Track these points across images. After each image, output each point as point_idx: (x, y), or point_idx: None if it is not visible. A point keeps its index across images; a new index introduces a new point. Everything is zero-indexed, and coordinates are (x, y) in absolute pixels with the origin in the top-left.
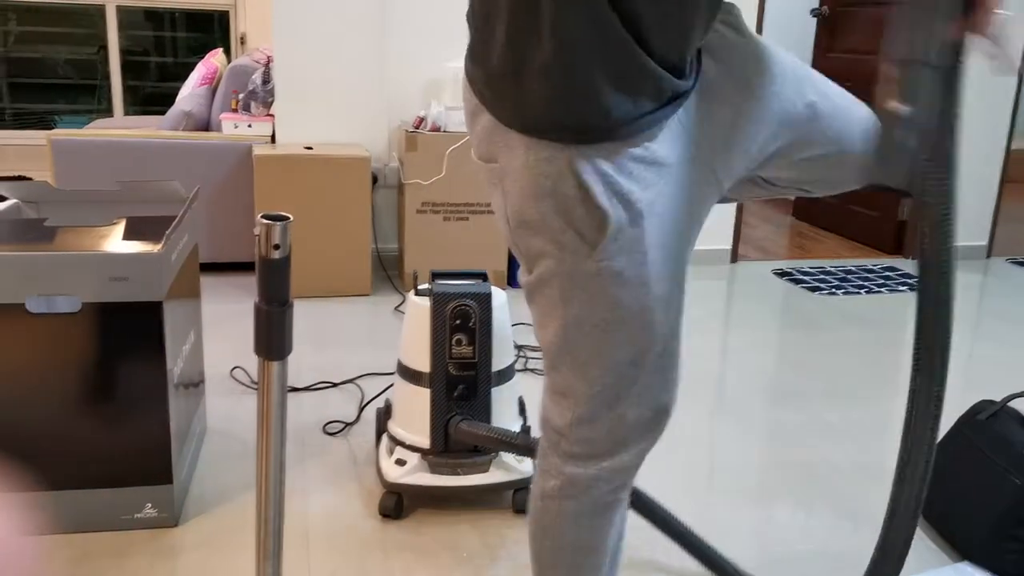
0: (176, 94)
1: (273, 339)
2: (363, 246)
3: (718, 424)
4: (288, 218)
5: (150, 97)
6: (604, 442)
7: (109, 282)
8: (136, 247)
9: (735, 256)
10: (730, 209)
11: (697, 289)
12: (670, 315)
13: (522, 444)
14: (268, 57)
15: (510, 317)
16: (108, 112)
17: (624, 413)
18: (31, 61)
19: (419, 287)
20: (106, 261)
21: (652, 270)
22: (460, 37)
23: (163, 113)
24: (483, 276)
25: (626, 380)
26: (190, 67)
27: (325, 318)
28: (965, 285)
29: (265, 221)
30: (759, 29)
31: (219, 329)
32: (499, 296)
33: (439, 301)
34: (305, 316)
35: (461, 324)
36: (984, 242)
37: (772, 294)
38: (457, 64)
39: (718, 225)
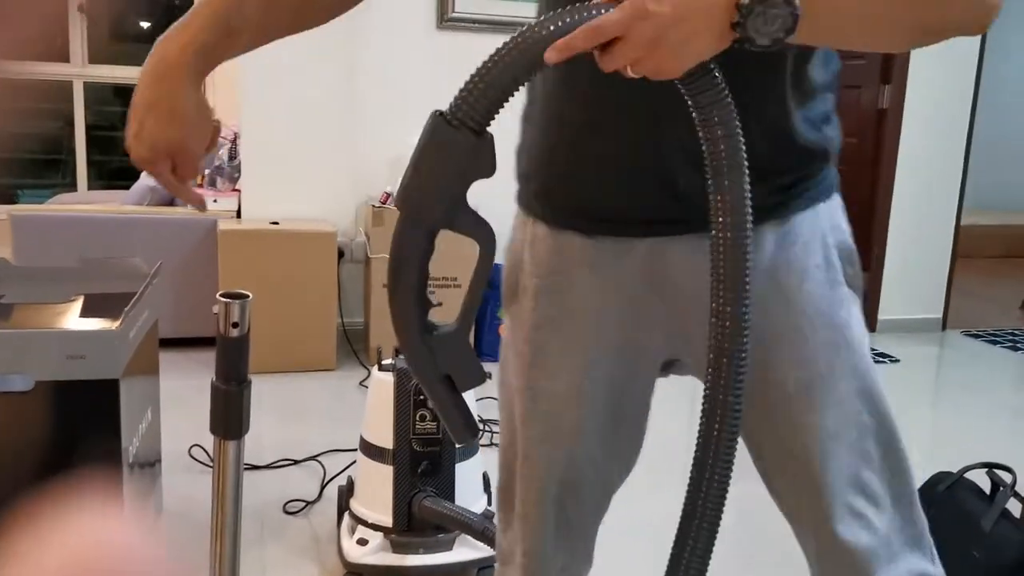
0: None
1: (231, 418)
2: (329, 321)
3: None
4: (247, 296)
5: (116, 172)
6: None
7: (65, 360)
8: (94, 324)
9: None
10: None
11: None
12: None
13: (480, 529)
14: (235, 133)
15: (474, 392)
16: (72, 187)
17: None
18: None
19: (382, 362)
20: (62, 339)
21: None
22: (423, 115)
23: (128, 188)
24: None
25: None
26: None
27: (289, 393)
28: (923, 357)
29: (224, 299)
30: None
31: (179, 406)
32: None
33: (402, 376)
34: (268, 391)
35: (424, 400)
36: (939, 315)
37: None
38: None
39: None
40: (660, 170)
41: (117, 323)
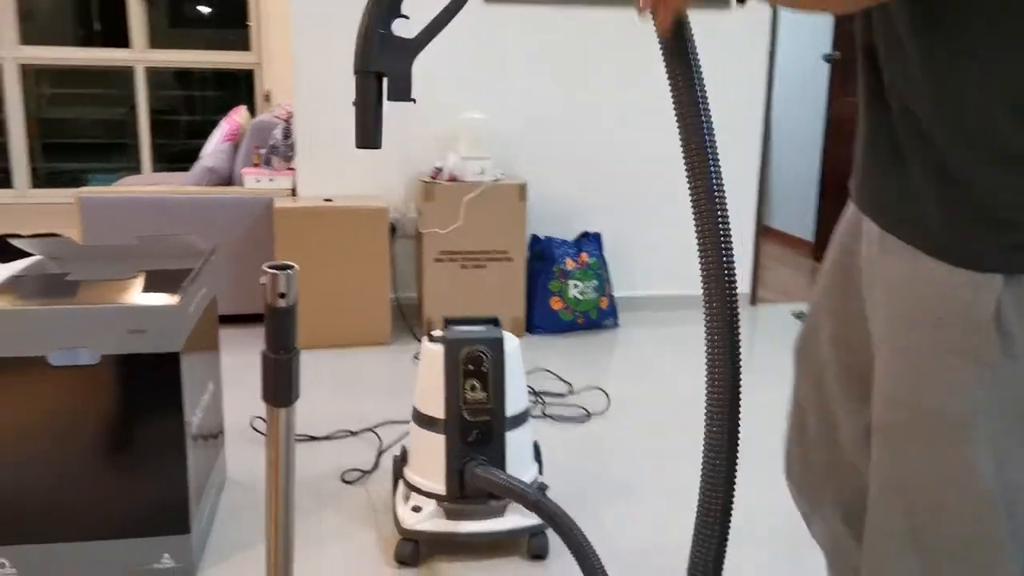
0: (201, 150)
1: (281, 385)
2: (382, 295)
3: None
4: (293, 267)
5: (178, 154)
6: None
7: (127, 335)
8: (154, 299)
9: (754, 299)
10: (747, 249)
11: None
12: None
13: (531, 499)
14: (289, 113)
15: (525, 363)
16: (137, 170)
17: None
18: (63, 122)
19: (432, 334)
20: (124, 314)
21: None
22: (474, 90)
23: (189, 169)
24: (495, 321)
25: None
26: (215, 124)
27: (344, 367)
28: None
29: (271, 270)
30: (770, 74)
31: (239, 380)
32: (511, 341)
33: (452, 347)
34: (325, 365)
35: (474, 369)
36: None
37: (788, 338)
38: (471, 115)
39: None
40: None
41: (177, 298)
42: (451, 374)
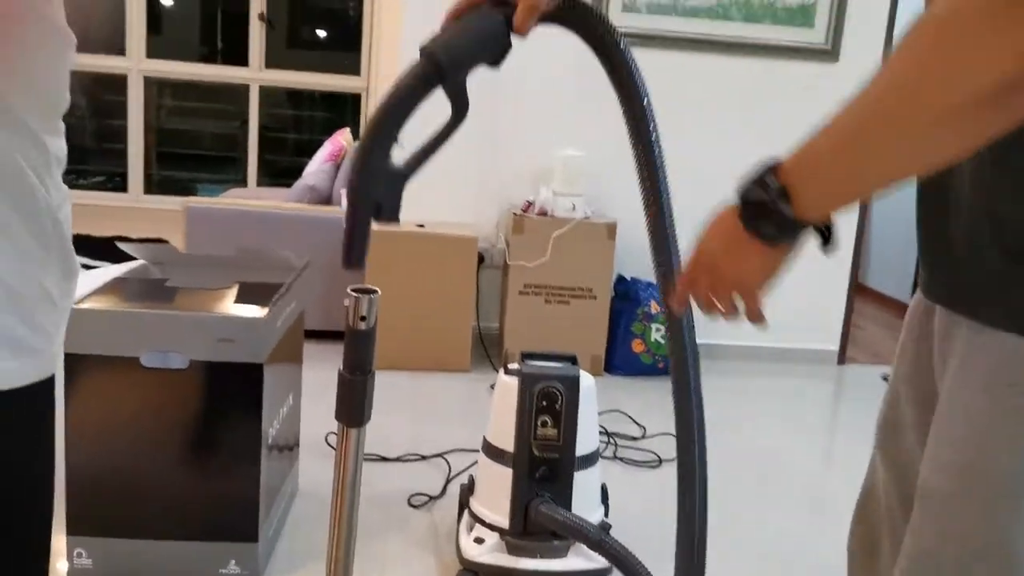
0: (305, 168)
1: (354, 406)
2: (465, 323)
3: (818, 534)
4: (375, 291)
5: (283, 170)
6: None
7: (216, 343)
8: (244, 311)
9: (842, 357)
10: (839, 306)
11: (800, 389)
12: None
13: (594, 538)
14: None
15: (600, 404)
16: (243, 183)
17: None
18: (180, 133)
19: (509, 366)
20: (215, 323)
21: None
22: (571, 126)
23: (291, 186)
24: (572, 359)
25: None
26: (320, 143)
27: (422, 391)
28: None
29: (354, 294)
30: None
31: (319, 394)
32: (587, 380)
33: (527, 381)
34: (403, 387)
35: (547, 406)
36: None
37: (874, 400)
38: (567, 151)
39: (823, 323)
40: None
41: (266, 311)
42: (524, 408)
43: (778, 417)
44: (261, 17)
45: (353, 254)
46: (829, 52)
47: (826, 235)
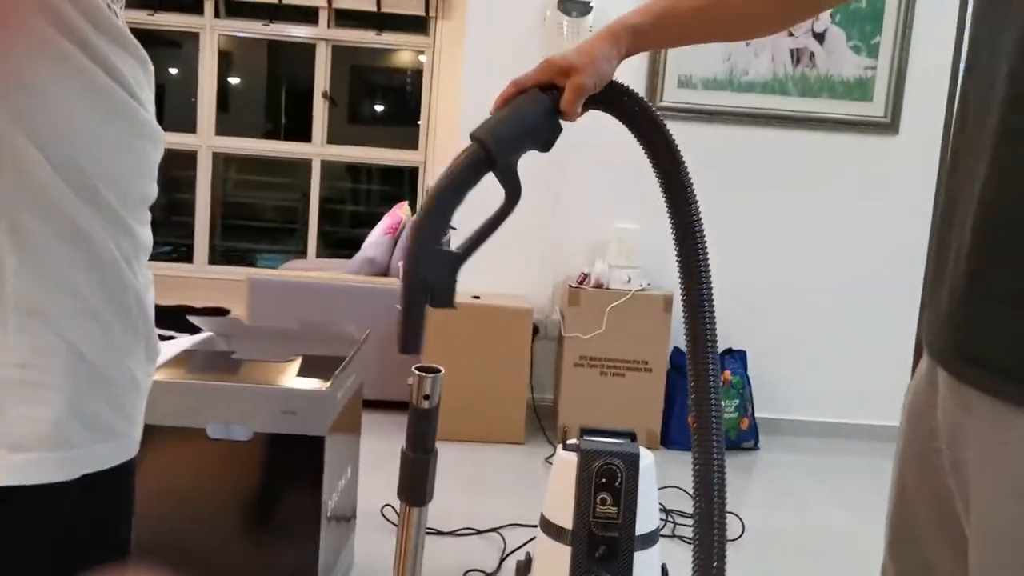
0: (363, 239)
1: (416, 485)
2: (520, 395)
3: None
4: (439, 371)
5: (342, 241)
6: None
7: (279, 415)
8: (307, 384)
9: None
10: (904, 371)
11: (868, 466)
12: None
13: None
14: None
15: (658, 480)
16: (303, 254)
17: None
18: (243, 205)
19: (567, 442)
20: (279, 395)
21: None
22: (627, 199)
23: (350, 256)
24: (632, 436)
25: None
26: (378, 216)
27: (477, 463)
28: None
29: (418, 372)
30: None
31: (376, 466)
32: (647, 457)
33: (586, 458)
34: (457, 460)
35: (607, 483)
36: None
37: None
38: (623, 225)
39: (890, 397)
40: None
41: (327, 384)
42: (583, 485)
43: (842, 494)
44: (324, 95)
45: (408, 341)
46: (889, 125)
47: None
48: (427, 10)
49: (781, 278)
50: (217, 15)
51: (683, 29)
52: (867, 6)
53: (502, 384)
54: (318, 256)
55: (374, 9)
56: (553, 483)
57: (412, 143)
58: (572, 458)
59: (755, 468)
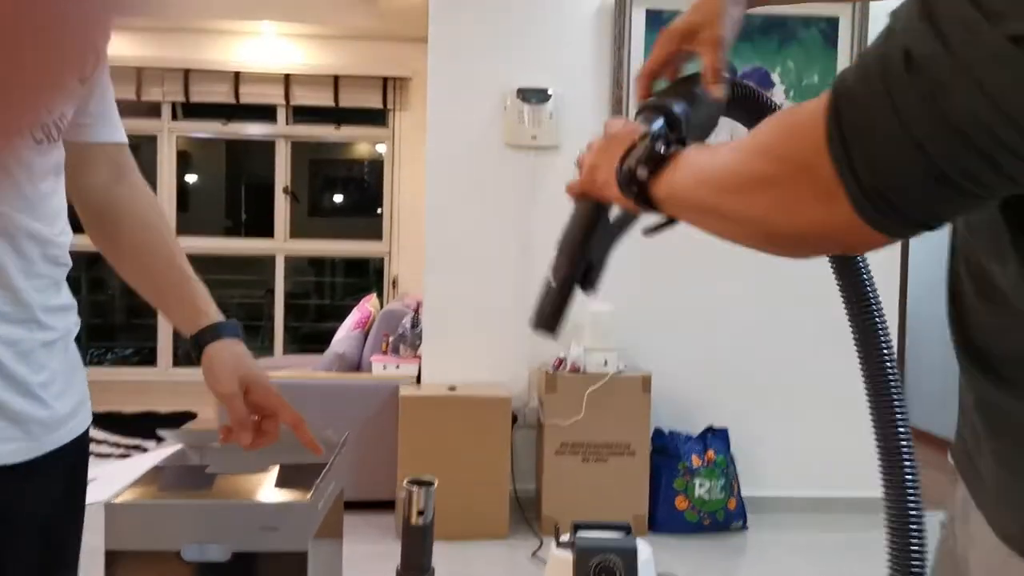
0: (331, 334)
1: None
2: (502, 487)
3: None
4: (433, 483)
5: (308, 336)
6: None
7: (258, 531)
8: (286, 496)
9: None
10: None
11: (851, 542)
12: None
13: None
14: (418, 302)
15: (655, 570)
16: (270, 350)
17: None
18: None
19: (560, 539)
20: (258, 511)
21: None
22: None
23: (318, 351)
24: (627, 528)
25: None
26: (345, 309)
27: (460, 561)
28: None
29: (410, 486)
30: (904, 263)
31: (357, 569)
32: (644, 551)
33: (582, 556)
34: (440, 560)
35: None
36: None
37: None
38: (596, 308)
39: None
40: None
41: (308, 495)
42: None
43: (832, 571)
44: (286, 191)
45: (553, 319)
46: None
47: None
48: (384, 103)
49: (757, 355)
50: (175, 117)
51: None
52: (818, 81)
53: (484, 476)
54: (285, 352)
55: (332, 104)
56: None
57: (375, 233)
58: (567, 556)
59: (746, 550)
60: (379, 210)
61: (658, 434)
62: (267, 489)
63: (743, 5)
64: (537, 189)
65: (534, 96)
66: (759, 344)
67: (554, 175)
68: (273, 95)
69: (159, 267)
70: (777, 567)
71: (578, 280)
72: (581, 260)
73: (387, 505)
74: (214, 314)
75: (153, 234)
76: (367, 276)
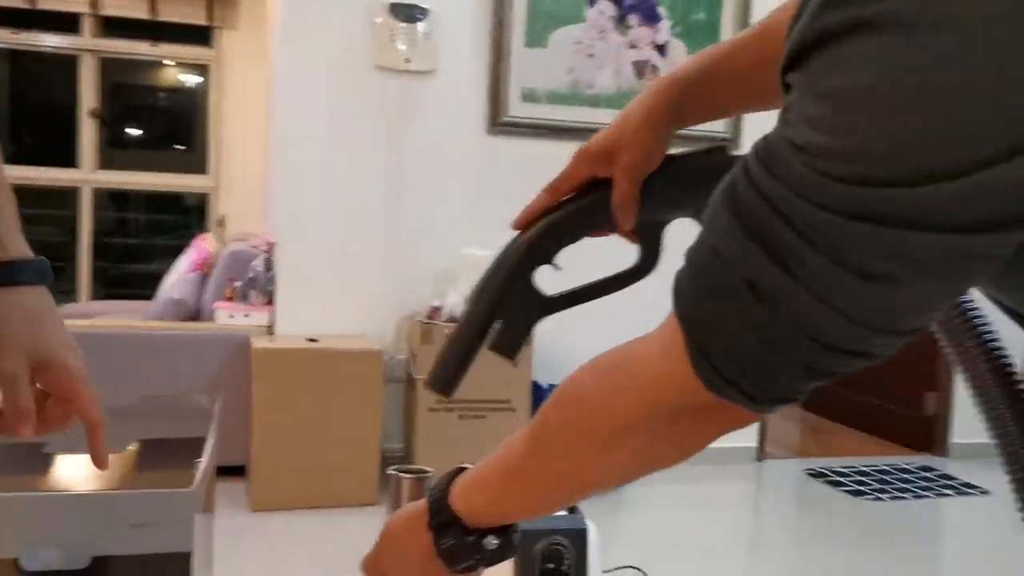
0: (143, 276)
1: None
2: (372, 450)
3: None
4: (428, 472)
5: (116, 279)
6: None
7: (127, 530)
8: (158, 481)
9: (762, 454)
10: None
11: (724, 493)
12: None
13: None
14: (269, 243)
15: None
16: (71, 295)
17: None
18: None
19: None
20: (122, 502)
21: None
22: (476, 223)
23: (131, 297)
24: (571, 507)
25: None
26: (156, 249)
27: (329, 533)
28: None
29: (400, 474)
30: None
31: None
32: (594, 531)
33: (525, 540)
34: (307, 532)
35: (553, 569)
36: None
37: (812, 500)
38: (473, 251)
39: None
40: None
41: (193, 481)
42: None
43: (717, 515)
44: (93, 113)
45: (446, 379)
46: (731, 140)
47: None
48: (211, 19)
49: (640, 305)
50: None
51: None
52: (705, 18)
53: (350, 437)
54: (93, 298)
55: (147, 17)
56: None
57: (192, 167)
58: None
59: (623, 503)
60: (194, 142)
61: (537, 388)
62: (129, 473)
63: (665, 127)
64: (409, 117)
65: (407, 13)
66: (639, 293)
67: (429, 103)
68: (77, 2)
69: None
70: (656, 516)
71: (485, 342)
72: (487, 318)
73: (238, 471)
74: (15, 247)
75: None
76: (179, 214)
